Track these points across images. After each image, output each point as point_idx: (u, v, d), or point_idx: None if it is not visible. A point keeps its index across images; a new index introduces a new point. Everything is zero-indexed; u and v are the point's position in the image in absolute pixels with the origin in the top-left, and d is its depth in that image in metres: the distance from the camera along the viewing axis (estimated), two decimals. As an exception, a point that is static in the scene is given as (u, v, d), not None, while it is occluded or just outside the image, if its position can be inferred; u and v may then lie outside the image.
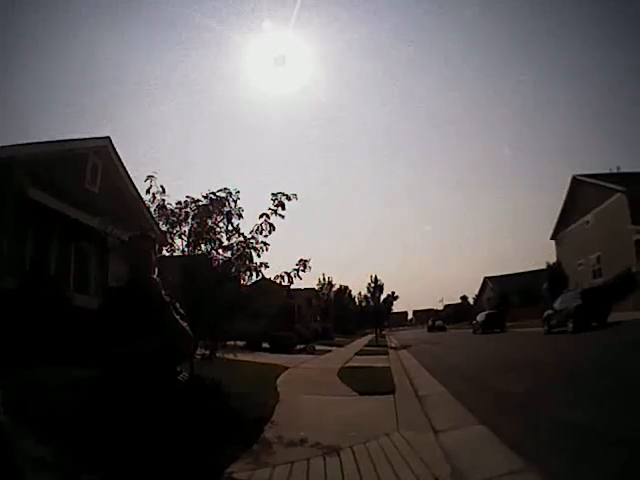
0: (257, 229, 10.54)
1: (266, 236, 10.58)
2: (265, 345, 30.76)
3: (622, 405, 8.51)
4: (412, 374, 18.41)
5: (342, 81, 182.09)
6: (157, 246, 5.84)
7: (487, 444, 7.13)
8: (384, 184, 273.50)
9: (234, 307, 11.28)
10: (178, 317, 4.66)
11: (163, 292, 4.64)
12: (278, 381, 15.16)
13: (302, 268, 10.69)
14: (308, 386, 14.81)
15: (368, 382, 14.84)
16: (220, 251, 10.86)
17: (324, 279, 73.97)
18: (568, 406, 8.97)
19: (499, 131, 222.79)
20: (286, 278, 10.73)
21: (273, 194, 10.41)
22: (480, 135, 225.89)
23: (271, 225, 10.48)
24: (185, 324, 4.69)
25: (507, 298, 74.89)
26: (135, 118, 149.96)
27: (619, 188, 45.34)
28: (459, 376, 16.31)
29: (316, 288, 73.19)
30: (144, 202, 11.55)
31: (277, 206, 10.37)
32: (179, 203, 10.85)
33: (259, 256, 10.73)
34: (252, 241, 10.71)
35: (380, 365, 21.74)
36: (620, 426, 7.06)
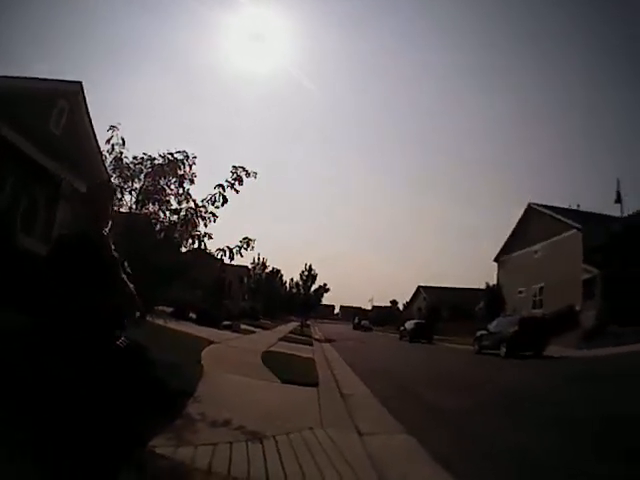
0: (210, 199, 10.21)
1: (217, 207, 10.27)
2: (192, 316, 30.44)
3: (559, 433, 8.75)
4: (336, 370, 18.30)
5: (321, 58, 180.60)
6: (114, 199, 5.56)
7: (415, 455, 7.07)
8: (341, 174, 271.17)
9: (173, 273, 10.96)
10: (125, 277, 4.43)
11: (113, 248, 4.40)
12: (202, 354, 14.91)
13: (245, 246, 10.41)
14: (232, 365, 14.58)
15: (292, 371, 14.73)
16: (167, 214, 10.51)
17: (258, 259, 73.84)
18: (500, 427, 9.16)
19: (464, 144, 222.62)
20: (227, 253, 10.42)
21: (234, 167, 10.15)
22: (444, 143, 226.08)
23: (224, 197, 10.18)
24: (132, 286, 4.46)
25: (439, 311, 75.17)
26: (109, 78, 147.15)
27: (576, 225, 46.04)
28: (384, 380, 16.24)
29: (249, 267, 73.02)
30: (101, 153, 11.18)
31: (235, 180, 10.08)
32: (135, 158, 10.51)
33: (205, 226, 10.50)
34: (202, 209, 10.47)
35: (304, 355, 21.75)
36: (555, 452, 7.30)
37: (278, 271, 76.14)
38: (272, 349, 22.05)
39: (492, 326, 33.55)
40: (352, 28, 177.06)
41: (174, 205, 10.56)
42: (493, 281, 61.77)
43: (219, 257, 10.85)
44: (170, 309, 28.49)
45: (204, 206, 10.36)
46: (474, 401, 12.31)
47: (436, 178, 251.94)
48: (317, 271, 57.53)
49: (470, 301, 68.02)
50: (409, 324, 56.63)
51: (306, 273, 55.84)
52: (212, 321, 29.67)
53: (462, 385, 15.89)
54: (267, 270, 75.10)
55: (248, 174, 10.32)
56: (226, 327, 30.24)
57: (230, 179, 10.13)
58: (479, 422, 9.65)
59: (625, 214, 39.01)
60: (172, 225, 10.65)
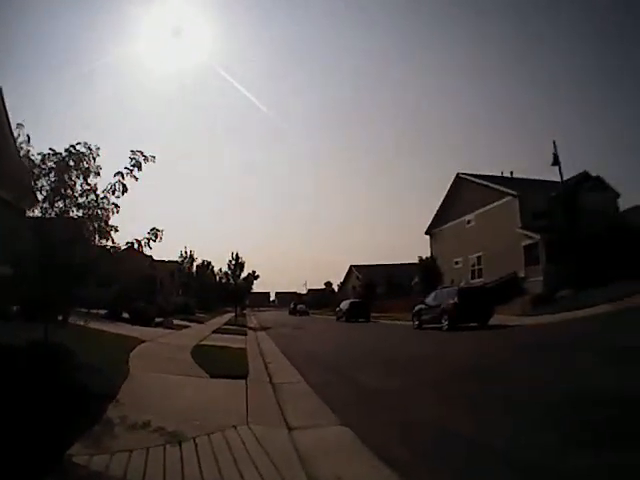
0: (110, 189, 9.67)
1: (118, 197, 9.74)
2: (126, 315, 29.75)
3: (506, 415, 8.11)
4: (269, 358, 17.92)
5: (240, 49, 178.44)
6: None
7: (351, 450, 6.49)
8: (259, 161, 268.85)
9: (85, 271, 10.37)
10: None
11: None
12: (131, 355, 14.24)
13: (154, 237, 9.89)
14: (160, 363, 14.00)
15: (221, 363, 14.29)
16: (74, 209, 9.93)
17: (186, 252, 73.21)
18: (444, 410, 8.57)
19: (392, 120, 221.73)
20: (136, 245, 9.91)
21: (132, 151, 9.61)
22: (370, 117, 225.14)
23: (124, 186, 9.63)
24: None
25: (374, 288, 75.16)
26: (19, 76, 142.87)
27: (511, 192, 46.09)
28: (319, 365, 15.89)
29: (179, 261, 72.32)
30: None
31: (134, 166, 9.55)
32: (40, 154, 9.92)
33: (108, 218, 9.90)
34: (103, 200, 9.91)
35: (236, 346, 21.28)
36: (503, 438, 6.64)
37: (209, 263, 75.45)
38: (203, 343, 21.48)
39: (430, 299, 32.80)
40: (268, 16, 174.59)
41: (80, 200, 9.99)
42: (426, 254, 60.55)
43: (141, 252, 10.38)
44: (104, 311, 27.98)
45: (106, 197, 9.80)
46: (416, 382, 11.71)
47: (364, 156, 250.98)
48: (245, 259, 56.90)
49: (405, 276, 68.66)
50: (344, 304, 56.49)
51: (233, 262, 55.06)
52: (144, 319, 28.99)
53: (402, 365, 15.14)
54: (196, 263, 74.53)
55: (147, 159, 9.81)
56: (158, 324, 29.67)
57: (129, 165, 9.63)
58: (422, 406, 9.10)
59: (565, 177, 38.77)
60: (78, 220, 10.08)
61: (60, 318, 10.30)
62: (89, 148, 10.03)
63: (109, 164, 10.26)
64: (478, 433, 6.94)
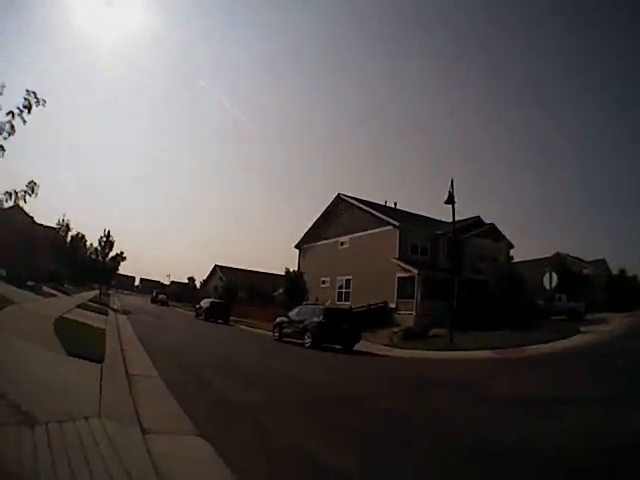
0: None
1: (5, 138, 9.21)
2: (3, 273, 28.81)
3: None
4: (126, 345, 17.28)
5: (176, 20, 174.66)
6: None
7: (208, 463, 6.14)
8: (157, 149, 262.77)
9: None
10: None
11: None
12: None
13: (30, 191, 9.39)
14: (22, 329, 13.41)
15: (79, 341, 13.81)
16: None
17: (63, 220, 70.54)
18: (305, 429, 8.44)
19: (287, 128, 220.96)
20: (12, 197, 9.37)
21: (27, 91, 9.14)
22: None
23: (12, 126, 9.14)
24: None
25: (236, 292, 73.87)
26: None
27: (393, 221, 45.61)
28: (177, 363, 15.41)
29: (55, 228, 69.90)
30: None
31: (25, 107, 9.11)
32: None
33: None
34: None
35: (96, 325, 20.72)
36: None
37: (83, 236, 73.00)
38: (67, 316, 20.88)
39: (293, 314, 31.92)
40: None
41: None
42: (293, 268, 59.30)
43: (6, 200, 9.75)
44: None
45: None
46: (277, 395, 11.50)
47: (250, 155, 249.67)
48: (116, 239, 55.36)
49: (269, 285, 68.30)
50: (205, 302, 54.70)
51: (104, 239, 53.45)
52: (18, 281, 28.04)
53: (265, 378, 14.57)
54: (71, 233, 72.20)
55: (38, 101, 9.31)
56: (30, 288, 28.72)
57: (21, 106, 9.17)
58: (280, 422, 8.79)
59: (468, 211, 39.14)
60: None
61: None
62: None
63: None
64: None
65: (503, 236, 49.26)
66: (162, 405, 9.06)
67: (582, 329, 33.09)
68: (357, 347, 28.06)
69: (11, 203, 9.81)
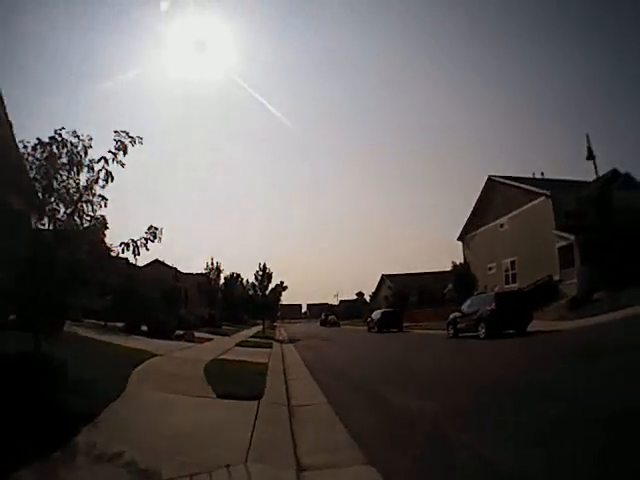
0: (94, 178, 8.35)
1: (103, 187, 8.54)
2: (143, 328, 28.46)
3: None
4: (291, 375, 16.39)
5: (265, 66, 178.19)
6: None
7: None
8: (287, 171, 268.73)
9: (71, 275, 8.89)
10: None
11: None
12: (135, 370, 12.74)
13: (152, 237, 8.48)
14: (165, 379, 12.44)
15: (234, 381, 12.50)
16: (60, 205, 8.59)
17: (212, 264, 72.09)
18: (497, 442, 6.66)
19: (416, 123, 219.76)
20: (131, 246, 8.46)
21: (115, 132, 8.32)
22: (393, 121, 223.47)
23: (109, 173, 8.28)
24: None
25: (406, 297, 73.46)
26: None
27: (544, 192, 44.34)
28: (348, 383, 14.20)
29: (206, 273, 71.36)
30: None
31: (118, 149, 8.19)
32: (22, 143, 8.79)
33: (94, 212, 8.52)
34: (89, 193, 8.69)
35: (257, 360, 19.65)
36: None
37: (238, 275, 74.43)
38: (222, 357, 20.01)
39: (465, 307, 31.18)
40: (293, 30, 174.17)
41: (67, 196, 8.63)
42: (459, 261, 59.72)
43: (123, 251, 8.89)
44: (121, 324, 27.62)
45: (90, 187, 8.40)
46: (457, 403, 9.74)
47: (387, 161, 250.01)
48: (274, 270, 55.77)
49: (437, 284, 67.10)
50: (376, 314, 54.82)
51: (260, 273, 53.86)
52: (164, 332, 27.68)
53: (443, 383, 12.97)
54: (223, 274, 73.48)
55: (134, 141, 8.43)
56: (179, 337, 28.37)
57: (113, 149, 8.28)
58: (466, 435, 7.07)
59: (600, 171, 36.61)
60: (67, 219, 8.69)
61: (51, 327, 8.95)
62: (77, 137, 8.66)
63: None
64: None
65: (639, 184, 46.42)
66: (327, 435, 7.73)
67: None
68: (529, 327, 26.82)
69: (129, 253, 9.04)
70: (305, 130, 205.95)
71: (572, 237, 39.96)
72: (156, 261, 66.29)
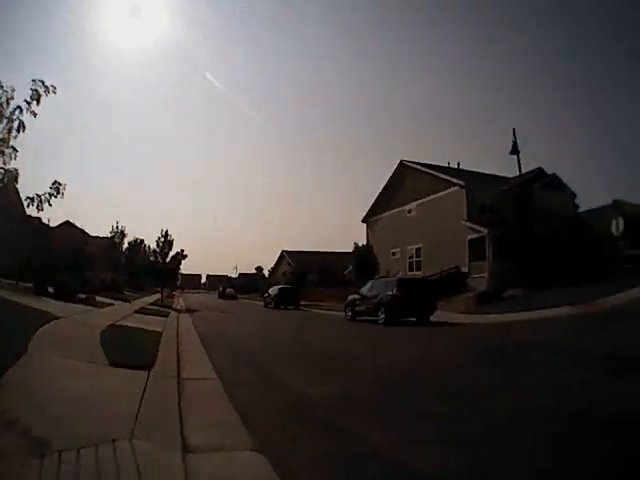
0: (8, 128, 8.45)
1: (15, 137, 8.48)
2: (50, 290, 28.48)
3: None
4: (184, 346, 16.31)
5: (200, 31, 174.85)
6: None
7: None
8: (197, 136, 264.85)
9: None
10: None
11: None
12: (37, 333, 12.58)
13: (55, 193, 8.67)
14: (64, 344, 12.44)
15: (129, 349, 12.44)
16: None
17: (117, 228, 71.76)
18: (392, 429, 6.89)
19: (338, 101, 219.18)
20: (36, 201, 8.63)
21: (33, 80, 8.37)
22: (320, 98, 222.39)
23: (21, 122, 8.37)
24: None
25: (305, 275, 73.92)
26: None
27: (458, 182, 44.46)
28: (240, 359, 14.35)
29: (109, 237, 70.58)
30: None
31: (32, 99, 8.34)
32: None
33: (4, 164, 8.62)
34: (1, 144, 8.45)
35: (153, 329, 19.54)
36: None
37: (142, 241, 73.31)
38: (120, 323, 19.84)
39: (366, 289, 30.86)
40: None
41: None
42: (362, 242, 59.15)
43: (28, 206, 9.05)
44: (30, 284, 27.94)
45: (5, 138, 8.52)
46: (355, 387, 9.90)
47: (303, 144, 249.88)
48: (176, 238, 55.23)
49: (339, 265, 67.37)
50: (273, 290, 55.07)
51: (162, 239, 53.23)
52: (68, 295, 27.72)
53: (339, 366, 12.92)
54: (127, 239, 72.63)
55: (48, 90, 8.55)
56: (82, 301, 28.36)
57: (28, 98, 8.43)
58: (362, 421, 7.26)
59: (523, 167, 36.85)
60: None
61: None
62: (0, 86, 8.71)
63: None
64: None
65: (566, 186, 47.77)
66: (216, 415, 7.60)
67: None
68: (432, 317, 27.05)
69: (33, 209, 9.11)
70: (230, 88, 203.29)
71: (485, 230, 40.10)
72: (67, 223, 65.42)
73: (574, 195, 47.02)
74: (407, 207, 51.82)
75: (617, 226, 31.19)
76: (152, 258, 55.37)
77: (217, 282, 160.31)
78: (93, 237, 69.77)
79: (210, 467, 5.19)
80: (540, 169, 48.01)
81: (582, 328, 19.25)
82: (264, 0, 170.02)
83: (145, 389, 8.36)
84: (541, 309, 25.20)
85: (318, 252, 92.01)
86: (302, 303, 52.10)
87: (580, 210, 44.94)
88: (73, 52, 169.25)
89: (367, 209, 60.91)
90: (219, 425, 6.90)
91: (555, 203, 43.30)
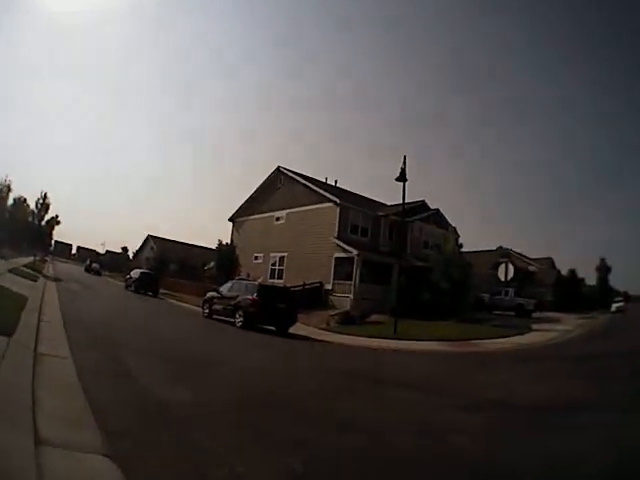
0: None
1: None
2: None
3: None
4: (46, 316, 15.79)
5: None
6: None
7: None
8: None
9: None
10: None
11: None
12: None
13: None
14: None
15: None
16: None
17: (5, 181, 67.98)
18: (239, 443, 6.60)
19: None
20: None
21: None
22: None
23: None
24: None
25: (167, 264, 73.16)
26: None
27: (334, 198, 44.09)
28: (97, 340, 14.01)
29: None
30: None
31: None
32: None
33: None
34: None
35: (20, 292, 19.08)
36: None
37: (25, 199, 70.33)
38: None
39: (225, 289, 30.31)
40: None
41: None
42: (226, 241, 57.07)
43: None
44: None
45: None
46: (214, 389, 9.98)
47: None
48: (52, 202, 53.38)
49: (202, 259, 67.89)
50: (135, 273, 53.83)
51: (41, 201, 51.49)
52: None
53: (193, 366, 12.57)
54: (12, 195, 69.60)
55: None
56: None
57: None
58: (220, 424, 7.29)
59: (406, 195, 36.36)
60: None
61: None
62: None
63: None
64: None
65: (448, 223, 48.38)
66: (68, 405, 7.05)
67: (534, 327, 33.18)
68: (292, 329, 26.69)
69: None
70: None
71: (355, 252, 39.65)
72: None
73: (457, 234, 46.46)
74: (277, 214, 51.49)
75: (506, 271, 31.95)
76: (30, 219, 53.66)
77: (87, 255, 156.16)
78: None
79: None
80: (423, 202, 48.82)
81: (456, 366, 19.33)
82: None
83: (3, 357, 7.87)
84: (407, 339, 25.49)
85: (183, 243, 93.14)
86: (161, 291, 51.46)
87: (463, 250, 44.90)
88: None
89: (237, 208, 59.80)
90: (64, 414, 6.49)
91: (434, 237, 44.72)
